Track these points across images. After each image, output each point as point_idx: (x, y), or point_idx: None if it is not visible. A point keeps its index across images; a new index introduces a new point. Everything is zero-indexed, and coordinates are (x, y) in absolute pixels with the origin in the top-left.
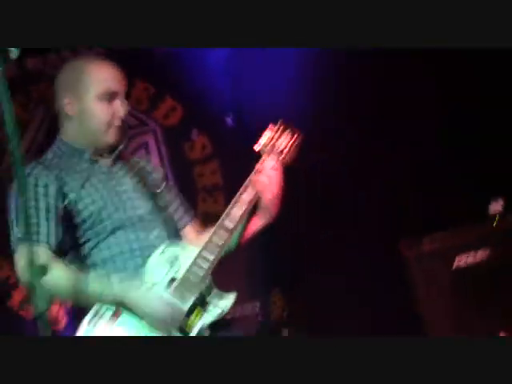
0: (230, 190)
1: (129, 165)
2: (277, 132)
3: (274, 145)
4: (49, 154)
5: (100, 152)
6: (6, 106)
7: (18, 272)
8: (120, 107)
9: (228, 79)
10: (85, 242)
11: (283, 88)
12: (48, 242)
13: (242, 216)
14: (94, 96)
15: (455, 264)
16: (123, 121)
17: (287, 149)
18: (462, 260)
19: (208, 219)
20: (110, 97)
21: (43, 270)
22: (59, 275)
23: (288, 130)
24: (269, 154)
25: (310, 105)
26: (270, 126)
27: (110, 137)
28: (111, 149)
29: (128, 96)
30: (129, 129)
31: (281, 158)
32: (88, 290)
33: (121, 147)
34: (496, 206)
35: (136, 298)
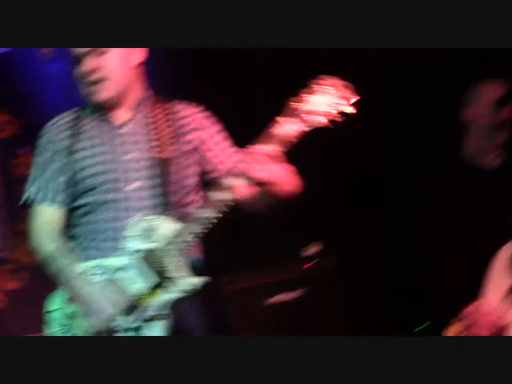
0: None
1: (157, 115)
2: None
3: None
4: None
5: (108, 109)
6: None
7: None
8: (92, 62)
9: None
10: (79, 208)
11: None
12: (57, 201)
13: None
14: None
15: (270, 301)
16: (104, 76)
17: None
18: (278, 298)
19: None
20: (84, 55)
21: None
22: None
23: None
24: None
25: None
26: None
27: (98, 93)
28: (130, 106)
29: None
30: None
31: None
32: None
33: (138, 104)
34: (312, 249)
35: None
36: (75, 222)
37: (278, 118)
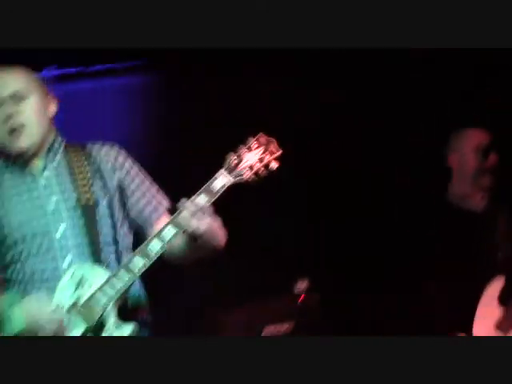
0: None
1: (75, 161)
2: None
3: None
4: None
5: (25, 159)
6: None
7: None
8: (10, 108)
9: None
10: (13, 258)
11: None
12: None
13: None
14: None
15: (262, 333)
16: (21, 124)
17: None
18: (269, 330)
19: None
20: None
21: None
22: None
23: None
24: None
25: None
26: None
27: (17, 140)
28: (42, 154)
29: None
30: None
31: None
32: None
33: (54, 152)
34: (301, 285)
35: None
36: (11, 270)
37: (217, 173)
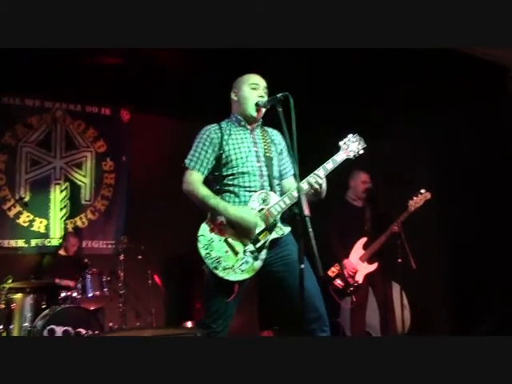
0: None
1: (263, 133)
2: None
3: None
4: (227, 120)
5: (248, 122)
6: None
7: (187, 186)
8: (257, 97)
9: None
10: (224, 176)
11: None
12: (202, 171)
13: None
14: (247, 86)
15: None
16: (261, 107)
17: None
18: None
19: None
20: (254, 88)
21: None
22: (205, 192)
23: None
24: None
25: None
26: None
27: (255, 114)
28: (254, 122)
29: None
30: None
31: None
32: (211, 204)
33: (259, 123)
34: None
35: (234, 211)
36: (224, 182)
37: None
